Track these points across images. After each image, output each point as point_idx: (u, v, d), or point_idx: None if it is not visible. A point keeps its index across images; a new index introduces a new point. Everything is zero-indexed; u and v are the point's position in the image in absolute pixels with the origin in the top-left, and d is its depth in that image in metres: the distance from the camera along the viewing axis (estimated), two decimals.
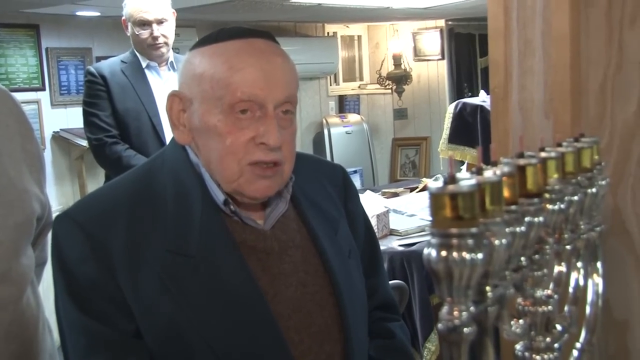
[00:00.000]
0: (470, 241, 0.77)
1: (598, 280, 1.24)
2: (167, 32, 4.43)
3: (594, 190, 1.17)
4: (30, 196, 1.86)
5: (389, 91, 11.18)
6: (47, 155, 7.91)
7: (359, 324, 1.79)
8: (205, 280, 1.36)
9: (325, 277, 1.76)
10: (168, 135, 4.07)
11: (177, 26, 4.54)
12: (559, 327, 1.10)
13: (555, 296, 1.07)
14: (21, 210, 1.82)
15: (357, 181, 8.87)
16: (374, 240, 2.02)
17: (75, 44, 8.36)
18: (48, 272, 1.88)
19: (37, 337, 1.88)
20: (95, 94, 4.43)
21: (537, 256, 1.02)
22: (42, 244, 2.04)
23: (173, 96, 1.72)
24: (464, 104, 6.24)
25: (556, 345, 1.09)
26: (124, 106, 4.40)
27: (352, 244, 1.88)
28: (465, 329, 0.78)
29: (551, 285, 1.08)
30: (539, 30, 1.67)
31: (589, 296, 1.24)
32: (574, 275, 1.17)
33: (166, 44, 4.44)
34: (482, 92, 6.97)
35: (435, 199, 0.77)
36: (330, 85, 10.80)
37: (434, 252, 0.77)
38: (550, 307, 1.05)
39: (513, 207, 0.92)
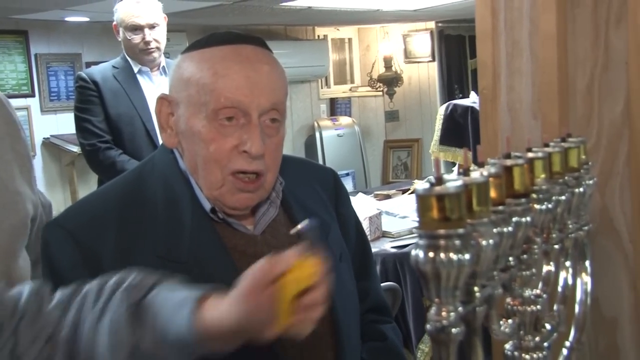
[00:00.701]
0: (457, 242, 0.78)
1: (587, 279, 1.25)
2: (159, 36, 4.42)
3: (581, 189, 1.17)
4: (24, 198, 1.86)
5: (380, 93, 11.19)
6: (38, 161, 7.90)
7: (351, 327, 1.79)
8: (197, 286, 1.36)
9: None
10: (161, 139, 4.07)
11: (167, 31, 4.53)
12: (548, 326, 1.11)
13: (544, 295, 1.08)
14: (15, 212, 1.82)
15: (349, 184, 8.86)
16: (365, 244, 2.02)
17: (64, 49, 8.35)
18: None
19: None
20: (87, 100, 4.41)
21: (525, 256, 1.02)
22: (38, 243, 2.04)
23: (162, 99, 1.73)
24: (455, 105, 6.25)
25: (545, 344, 1.09)
26: (117, 111, 4.39)
27: (344, 247, 1.88)
28: (453, 330, 0.79)
29: (540, 285, 1.08)
30: (526, 32, 1.68)
31: (578, 295, 1.24)
32: (562, 275, 1.17)
33: (158, 48, 4.43)
34: (472, 94, 6.98)
35: (422, 200, 0.78)
36: (322, 88, 10.80)
37: (421, 254, 0.78)
38: (539, 307, 1.06)
39: (500, 208, 0.93)
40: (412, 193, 5.40)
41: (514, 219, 0.94)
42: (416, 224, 0.80)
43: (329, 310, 1.74)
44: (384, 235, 4.41)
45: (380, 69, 11.07)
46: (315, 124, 10.16)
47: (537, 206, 1.01)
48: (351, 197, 2.15)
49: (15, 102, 7.45)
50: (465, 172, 0.87)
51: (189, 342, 1.30)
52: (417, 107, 11.29)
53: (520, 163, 0.99)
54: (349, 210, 1.98)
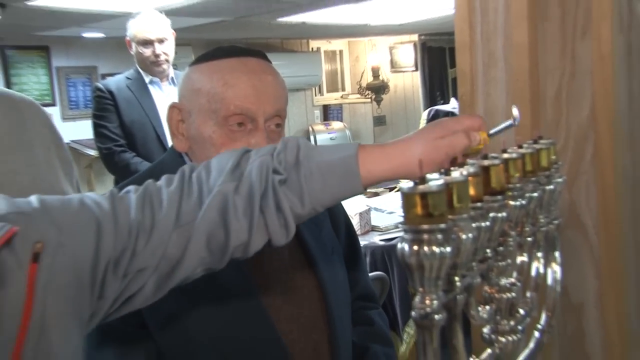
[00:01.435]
0: (439, 236, 0.77)
1: (556, 268, 1.24)
2: (167, 50, 4.43)
3: (551, 187, 1.17)
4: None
5: (369, 100, 11.23)
6: None
7: (342, 314, 1.79)
8: (203, 279, 1.35)
9: (311, 273, 1.76)
10: (171, 144, 4.08)
11: (175, 45, 4.52)
12: (521, 311, 1.10)
13: (518, 284, 1.08)
14: None
15: None
16: (354, 238, 2.01)
17: (82, 62, 8.39)
18: None
19: None
20: (104, 108, 4.43)
21: (501, 248, 1.02)
22: None
23: (173, 107, 1.72)
24: (437, 110, 6.26)
25: (519, 327, 1.09)
26: (130, 118, 4.40)
27: (335, 241, 1.88)
28: (436, 316, 0.79)
29: (514, 274, 1.08)
30: (500, 44, 1.67)
31: (549, 283, 1.24)
32: (534, 265, 1.17)
33: (167, 61, 4.44)
34: (452, 100, 6.99)
35: (407, 198, 0.77)
36: (315, 96, 10.83)
37: (406, 247, 0.78)
38: (513, 294, 1.05)
39: (479, 204, 0.92)
40: (398, 191, 5.40)
41: (491, 215, 0.94)
42: (402, 220, 0.80)
43: (322, 298, 1.75)
44: (373, 229, 4.40)
45: (368, 78, 11.11)
46: (310, 129, 10.18)
47: (512, 202, 1.01)
48: None
49: None
50: (446, 171, 0.87)
51: (355, 168, 1.22)
52: (402, 113, 11.32)
53: (497, 163, 0.98)
54: (339, 208, 1.98)
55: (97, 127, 4.48)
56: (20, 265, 1.12)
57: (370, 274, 2.78)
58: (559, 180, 1.20)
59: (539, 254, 1.17)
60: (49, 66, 8.22)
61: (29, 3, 5.35)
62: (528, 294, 1.14)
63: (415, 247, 0.77)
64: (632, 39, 1.62)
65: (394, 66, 11.39)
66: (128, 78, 4.49)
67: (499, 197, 0.97)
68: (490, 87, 1.70)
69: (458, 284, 0.88)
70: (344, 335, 1.78)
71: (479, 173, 0.94)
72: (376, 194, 5.40)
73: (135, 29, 4.39)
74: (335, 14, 7.23)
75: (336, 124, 10.51)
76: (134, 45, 4.41)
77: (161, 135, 4.38)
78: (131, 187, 1.30)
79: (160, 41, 4.38)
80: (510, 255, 1.04)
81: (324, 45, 10.94)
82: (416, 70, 11.36)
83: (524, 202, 1.05)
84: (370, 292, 2.01)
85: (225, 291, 1.63)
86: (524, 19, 1.62)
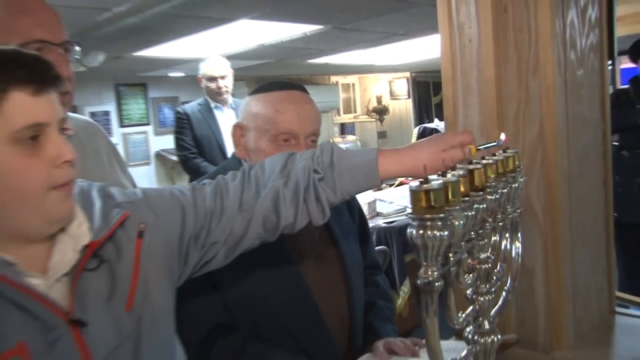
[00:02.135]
0: (439, 223, 0.77)
1: (518, 245, 1.22)
2: (228, 84, 4.42)
3: (516, 185, 1.15)
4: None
5: (374, 120, 11.22)
6: (152, 166, 8.22)
7: (356, 278, 1.78)
8: (257, 252, 1.35)
9: (334, 248, 1.75)
10: (229, 152, 4.10)
11: (233, 80, 4.53)
12: (495, 277, 1.09)
13: (492, 257, 1.07)
14: None
15: None
16: (365, 221, 1.99)
17: (168, 94, 8.58)
18: None
19: None
20: (182, 126, 4.45)
21: (481, 231, 1.01)
22: None
23: (236, 126, 1.72)
24: (424, 127, 6.25)
25: (493, 289, 1.08)
26: (200, 133, 4.41)
27: (351, 224, 1.87)
28: (436, 283, 0.79)
29: (489, 250, 1.07)
30: (474, 78, 1.66)
31: (512, 255, 1.22)
32: (504, 243, 1.15)
33: (227, 91, 4.44)
34: (436, 120, 6.97)
35: (415, 194, 0.77)
36: (335, 116, 10.84)
37: (414, 231, 0.77)
38: (489, 265, 1.05)
39: (466, 198, 0.91)
40: (396, 186, 5.38)
41: (475, 206, 0.93)
42: (400, 207, 0.79)
43: (342, 267, 1.73)
44: (378, 214, 4.38)
45: (374, 104, 11.12)
46: (331, 140, 10.16)
47: (489, 197, 1.00)
48: None
49: (138, 129, 7.92)
50: (443, 174, 0.86)
51: (375, 168, 1.22)
52: (398, 129, 11.30)
53: (479, 167, 0.98)
54: (353, 199, 1.96)
55: (177, 140, 4.51)
56: (130, 241, 1.16)
57: (375, 248, 2.76)
58: (521, 179, 1.19)
59: (507, 235, 1.16)
60: (146, 97, 8.45)
61: (134, 54, 5.52)
62: (499, 265, 1.12)
63: (421, 232, 0.77)
64: (567, 77, 1.62)
65: (392, 95, 11.37)
66: (199, 104, 4.50)
67: (481, 192, 0.96)
68: (468, 110, 1.68)
69: (452, 259, 0.87)
70: (358, 294, 1.76)
71: (466, 175, 0.93)
72: (380, 188, 5.38)
73: (204, 69, 4.40)
74: (350, 57, 7.24)
75: (350, 137, 10.50)
76: (203, 80, 4.42)
77: (222, 146, 4.39)
78: (206, 181, 1.32)
79: (223, 77, 4.38)
80: (487, 236, 1.04)
81: (341, 79, 10.94)
82: (409, 98, 11.33)
83: (497, 196, 1.04)
84: (376, 262, 2.00)
85: (272, 261, 1.62)
86: (491, 61, 1.62)
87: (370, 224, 3.16)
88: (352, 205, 1.93)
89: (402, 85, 11.31)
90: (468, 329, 1.06)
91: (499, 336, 1.07)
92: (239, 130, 1.71)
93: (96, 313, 1.06)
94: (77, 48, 1.55)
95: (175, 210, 1.23)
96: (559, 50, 1.58)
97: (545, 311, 1.64)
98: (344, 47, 6.37)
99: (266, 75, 8.74)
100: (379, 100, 11.18)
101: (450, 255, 0.87)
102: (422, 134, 6.01)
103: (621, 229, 2.98)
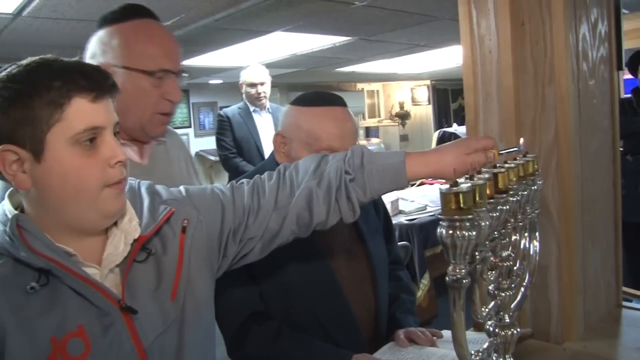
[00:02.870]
0: (467, 224, 0.76)
1: (536, 244, 1.20)
2: (266, 89, 4.43)
3: (535, 187, 1.13)
4: None
5: (397, 124, 11.17)
6: None
7: (382, 273, 1.76)
8: (290, 247, 1.34)
9: (362, 244, 1.73)
10: (266, 153, 4.11)
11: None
12: (515, 274, 1.08)
13: (513, 255, 1.05)
14: None
15: None
16: (389, 220, 1.97)
17: (207, 99, 8.67)
18: None
19: None
20: (223, 128, 4.46)
21: (503, 230, 1.00)
22: None
23: (278, 134, 1.69)
24: (444, 132, 6.20)
25: (513, 285, 1.06)
26: (240, 135, 4.41)
27: (377, 222, 1.85)
28: (464, 280, 0.78)
29: (510, 248, 1.05)
30: (494, 86, 1.65)
31: (531, 253, 1.20)
32: (523, 241, 1.13)
33: (265, 97, 4.44)
34: (454, 124, 6.91)
35: (445, 196, 0.76)
36: (361, 121, 10.81)
37: (444, 231, 0.77)
38: (510, 262, 1.03)
39: (491, 200, 0.90)
40: (418, 185, 5.34)
41: (499, 207, 0.92)
42: (421, 205, 0.78)
43: (369, 262, 1.72)
44: (400, 212, 4.35)
45: (396, 109, 11.07)
46: (357, 143, 10.14)
47: (511, 198, 0.98)
48: None
49: (181, 131, 8.00)
50: (470, 177, 0.85)
51: (403, 170, 1.21)
52: (419, 132, 11.24)
53: (503, 171, 0.97)
54: (379, 198, 1.94)
55: (218, 141, 4.51)
56: (174, 235, 1.16)
57: (398, 243, 2.75)
58: (539, 182, 1.17)
59: (526, 234, 1.13)
60: (188, 102, 8.59)
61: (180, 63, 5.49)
62: (518, 263, 1.10)
63: (450, 232, 0.76)
64: (580, 87, 1.61)
65: (413, 101, 11.32)
66: (239, 108, 4.51)
67: (504, 195, 0.95)
68: (488, 116, 1.67)
69: (477, 257, 0.85)
70: (383, 288, 1.75)
71: (491, 178, 0.91)
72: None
73: (245, 76, 4.42)
74: (375, 66, 7.22)
75: (374, 140, 10.47)
76: (244, 86, 4.43)
77: (260, 147, 4.39)
78: (245, 180, 1.32)
79: (262, 84, 4.39)
80: (509, 235, 1.02)
81: (366, 86, 10.93)
82: (429, 104, 11.27)
83: (518, 198, 1.02)
84: (399, 258, 1.98)
85: (305, 256, 1.61)
86: (509, 71, 1.60)
87: (393, 220, 3.14)
88: (378, 204, 1.91)
89: (422, 92, 11.26)
90: (489, 322, 1.04)
91: (518, 329, 1.06)
92: (280, 138, 1.69)
93: (145, 301, 1.07)
94: (186, 75, 1.57)
95: (215, 208, 1.23)
96: (572, 62, 1.57)
97: (558, 305, 1.63)
98: (369, 57, 6.36)
99: (297, 82, 8.76)
100: (401, 106, 11.15)
101: (476, 253, 0.85)
102: (442, 138, 5.96)
103: (625, 227, 2.94)
